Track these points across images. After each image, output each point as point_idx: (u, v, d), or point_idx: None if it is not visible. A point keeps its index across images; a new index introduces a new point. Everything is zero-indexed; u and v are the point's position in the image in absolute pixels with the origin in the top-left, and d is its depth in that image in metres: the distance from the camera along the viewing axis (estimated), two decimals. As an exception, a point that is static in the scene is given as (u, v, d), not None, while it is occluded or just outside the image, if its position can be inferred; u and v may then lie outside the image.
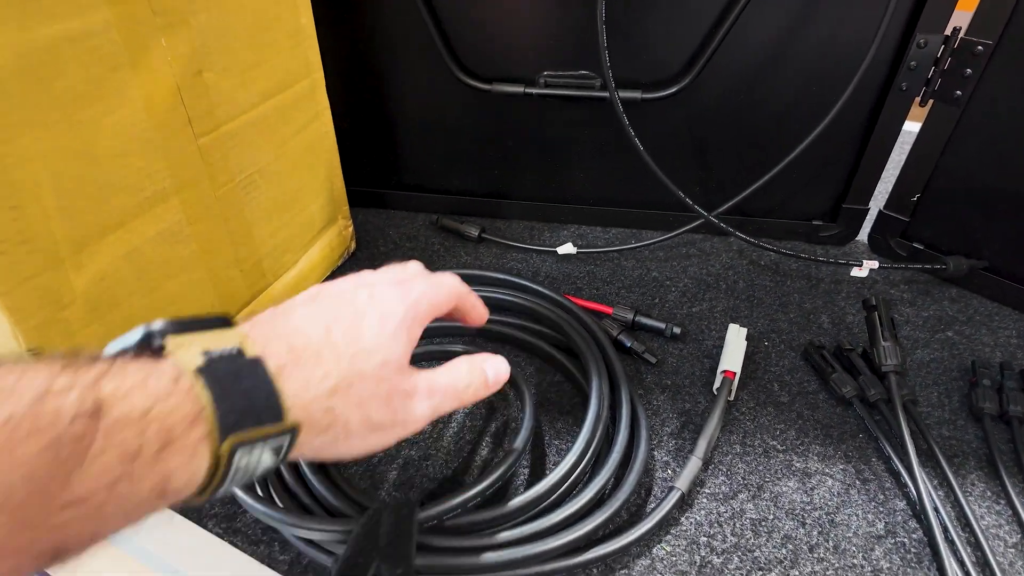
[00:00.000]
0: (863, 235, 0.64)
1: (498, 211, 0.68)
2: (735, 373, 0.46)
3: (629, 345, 0.50)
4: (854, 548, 0.38)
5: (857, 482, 0.42)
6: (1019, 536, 0.39)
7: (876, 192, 0.61)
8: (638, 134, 0.54)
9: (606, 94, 0.57)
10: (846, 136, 0.58)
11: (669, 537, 0.39)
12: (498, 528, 0.36)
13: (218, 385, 0.21)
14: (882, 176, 0.60)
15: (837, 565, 0.38)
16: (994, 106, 0.51)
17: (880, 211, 0.61)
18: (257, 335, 0.25)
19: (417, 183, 0.69)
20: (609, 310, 0.54)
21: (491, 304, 0.53)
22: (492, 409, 0.47)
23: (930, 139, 0.55)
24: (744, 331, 0.49)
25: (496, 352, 0.35)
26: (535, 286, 0.53)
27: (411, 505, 0.34)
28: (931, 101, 0.53)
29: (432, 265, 0.63)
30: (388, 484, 0.42)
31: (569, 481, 0.39)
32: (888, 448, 0.43)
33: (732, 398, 0.48)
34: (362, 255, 0.64)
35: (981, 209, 0.55)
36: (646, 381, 0.49)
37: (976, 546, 0.38)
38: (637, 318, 0.53)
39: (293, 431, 0.24)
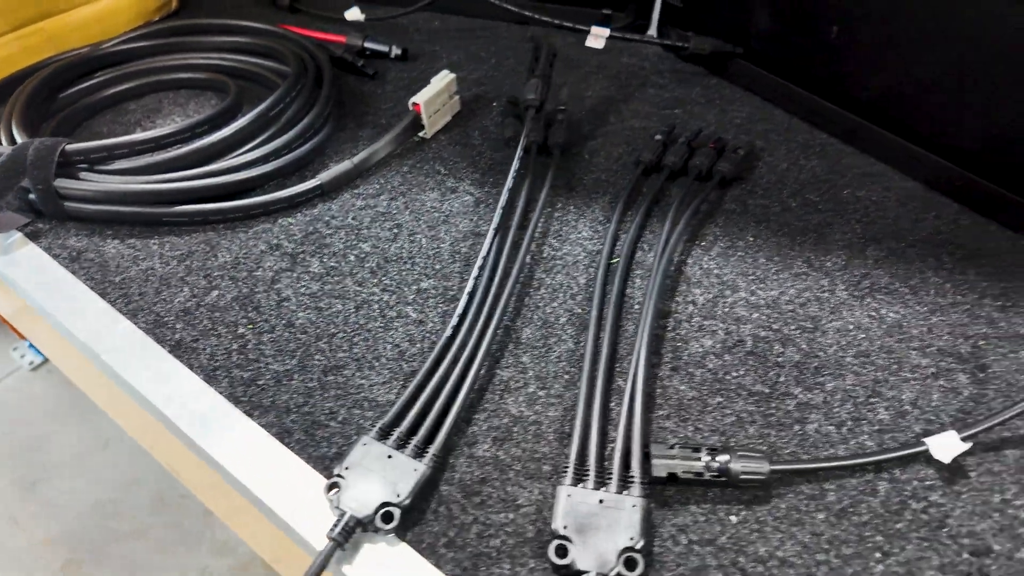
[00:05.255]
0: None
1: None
2: (420, 105, 0.50)
3: (350, 60, 0.58)
4: (447, 239, 0.44)
5: (489, 199, 0.47)
6: (568, 248, 0.44)
7: (664, -20, 0.60)
8: None
9: None
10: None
11: (299, 216, 0.46)
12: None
13: None
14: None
15: (425, 246, 0.44)
16: None
17: (662, 0, 0.61)
18: None
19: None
20: (342, 39, 0.60)
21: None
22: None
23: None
24: (451, 75, 0.53)
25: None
26: (252, 24, 0.60)
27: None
28: None
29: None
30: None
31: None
32: (509, 178, 0.46)
33: (427, 135, 0.52)
34: (186, 13, 0.69)
35: (740, -7, 0.54)
36: (366, 118, 0.54)
37: (540, 244, 0.43)
38: (366, 43, 0.60)
39: None
